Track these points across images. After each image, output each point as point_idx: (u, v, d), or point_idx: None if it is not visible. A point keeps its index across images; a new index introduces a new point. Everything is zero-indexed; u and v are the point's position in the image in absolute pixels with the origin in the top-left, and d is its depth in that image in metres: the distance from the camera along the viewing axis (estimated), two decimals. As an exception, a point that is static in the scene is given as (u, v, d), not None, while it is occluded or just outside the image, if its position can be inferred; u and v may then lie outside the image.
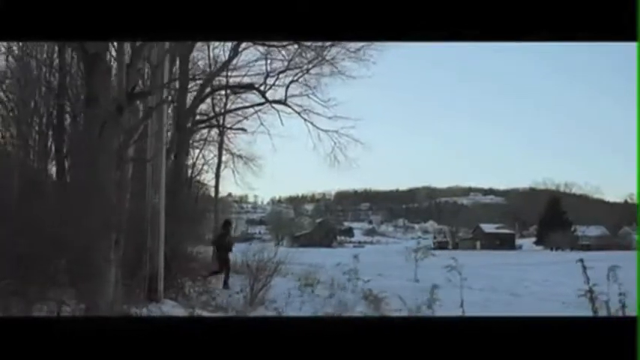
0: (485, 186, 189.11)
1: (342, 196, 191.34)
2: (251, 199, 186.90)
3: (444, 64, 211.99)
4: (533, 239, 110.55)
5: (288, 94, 21.56)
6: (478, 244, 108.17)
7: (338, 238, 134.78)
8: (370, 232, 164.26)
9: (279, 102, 21.36)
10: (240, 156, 30.75)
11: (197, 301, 12.50)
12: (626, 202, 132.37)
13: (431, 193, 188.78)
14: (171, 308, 10.50)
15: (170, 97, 14.02)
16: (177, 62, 16.27)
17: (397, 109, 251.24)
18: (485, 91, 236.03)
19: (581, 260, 6.27)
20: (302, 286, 15.87)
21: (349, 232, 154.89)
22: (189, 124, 19.98)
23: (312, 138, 22.93)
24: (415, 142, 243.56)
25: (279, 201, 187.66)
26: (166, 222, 12.57)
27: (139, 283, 11.01)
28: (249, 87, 21.50)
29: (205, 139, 30.77)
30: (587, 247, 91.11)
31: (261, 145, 74.49)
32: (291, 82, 21.01)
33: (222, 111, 23.37)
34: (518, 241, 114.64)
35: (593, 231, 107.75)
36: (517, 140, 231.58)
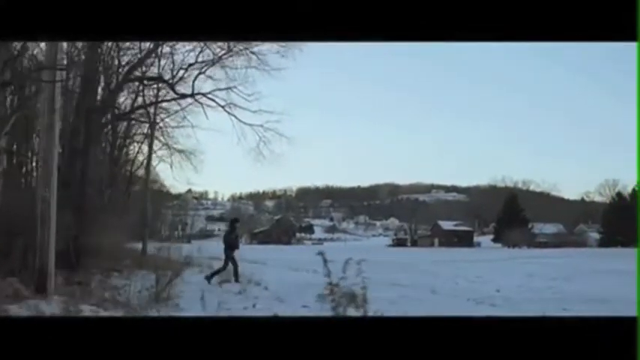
0: (448, 183, 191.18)
1: (304, 193, 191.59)
2: (211, 195, 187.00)
3: (412, 56, 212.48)
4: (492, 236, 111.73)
5: (213, 87, 21.13)
6: (436, 241, 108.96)
7: (297, 235, 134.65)
8: (331, 229, 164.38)
9: (188, 95, 20.85)
10: (180, 150, 30.47)
11: (99, 296, 12.00)
12: (582, 199, 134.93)
13: (393, 189, 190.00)
14: (52, 304, 9.97)
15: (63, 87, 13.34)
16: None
17: (361, 103, 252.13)
18: (451, 86, 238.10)
19: (321, 253, 6.03)
20: (218, 282, 15.67)
21: (309, 229, 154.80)
22: (107, 117, 19.35)
23: (237, 132, 22.54)
24: (378, 137, 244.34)
25: (240, 197, 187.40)
26: (74, 216, 12.10)
27: (25, 279, 10.51)
28: (159, 79, 20.86)
29: (146, 134, 30.37)
30: (545, 245, 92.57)
31: (209, 140, 74.36)
32: (199, 74, 20.52)
33: (141, 104, 22.79)
34: (478, 239, 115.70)
35: (550, 228, 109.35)
36: (479, 136, 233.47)
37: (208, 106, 21.26)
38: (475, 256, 46.58)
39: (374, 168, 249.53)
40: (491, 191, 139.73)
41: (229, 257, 15.95)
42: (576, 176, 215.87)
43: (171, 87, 20.06)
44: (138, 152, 31.52)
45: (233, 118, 21.60)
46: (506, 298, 13.43)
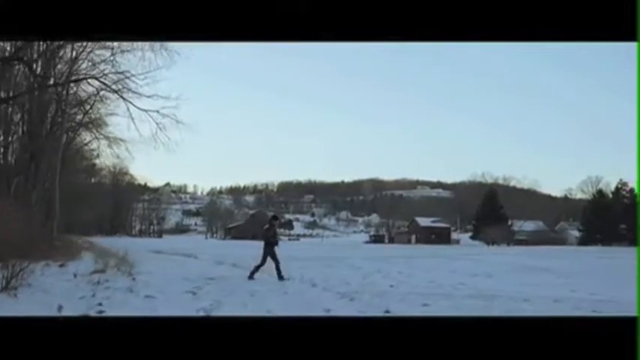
0: (434, 179, 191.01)
1: (285, 188, 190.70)
2: (190, 189, 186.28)
3: (399, 52, 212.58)
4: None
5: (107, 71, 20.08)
6: (413, 237, 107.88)
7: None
8: (311, 225, 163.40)
9: (44, 78, 19.76)
10: (110, 139, 29.77)
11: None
12: (566, 196, 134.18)
13: (377, 185, 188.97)
14: None
15: None
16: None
17: (349, 98, 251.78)
18: (439, 82, 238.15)
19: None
20: (90, 272, 15.15)
21: (289, 224, 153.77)
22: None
23: (133, 118, 21.57)
24: (364, 132, 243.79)
25: (220, 192, 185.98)
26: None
27: None
28: (18, 59, 19.55)
29: (80, 123, 29.43)
30: (525, 242, 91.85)
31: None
32: (55, 55, 19.45)
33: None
34: (459, 236, 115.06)
35: (530, 226, 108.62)
36: (465, 132, 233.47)
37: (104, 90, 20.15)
38: (432, 252, 45.76)
39: (358, 163, 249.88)
40: (477, 188, 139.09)
41: (269, 254, 16.15)
42: (561, 173, 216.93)
43: (30, 68, 18.83)
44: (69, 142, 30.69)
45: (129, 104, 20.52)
46: (383, 292, 12.52)
